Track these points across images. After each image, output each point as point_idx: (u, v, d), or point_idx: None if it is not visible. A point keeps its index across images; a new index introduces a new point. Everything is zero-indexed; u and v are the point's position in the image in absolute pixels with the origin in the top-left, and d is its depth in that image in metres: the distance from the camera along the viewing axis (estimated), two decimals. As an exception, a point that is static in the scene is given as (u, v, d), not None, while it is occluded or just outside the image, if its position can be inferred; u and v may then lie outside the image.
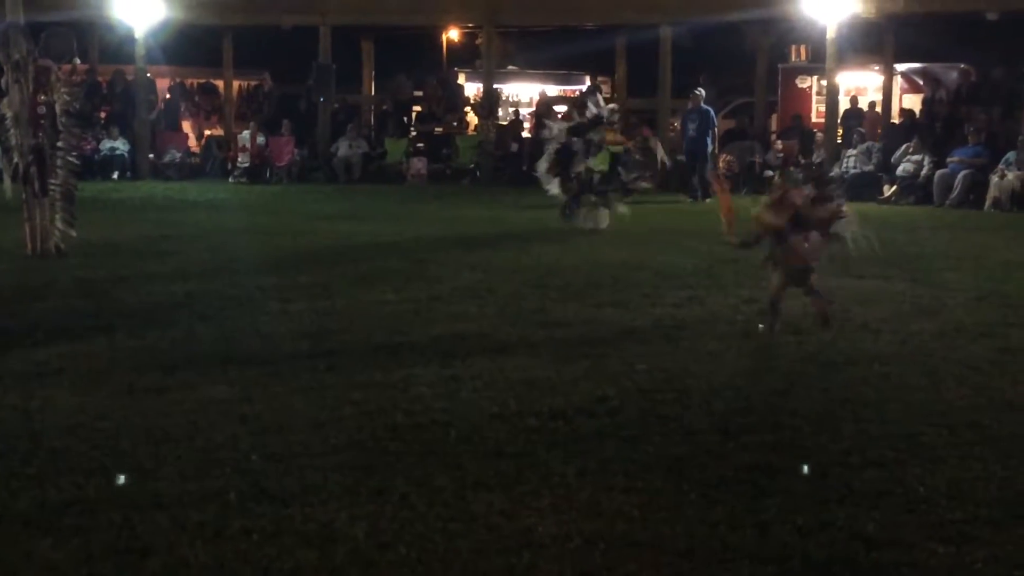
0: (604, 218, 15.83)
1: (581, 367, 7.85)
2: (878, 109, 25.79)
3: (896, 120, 25.21)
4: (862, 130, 23.61)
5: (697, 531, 4.96)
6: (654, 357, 8.18)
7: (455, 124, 28.67)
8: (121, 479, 5.53)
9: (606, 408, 6.86)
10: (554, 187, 16.04)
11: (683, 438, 6.29)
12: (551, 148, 16.23)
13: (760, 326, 9.05)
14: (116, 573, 4.55)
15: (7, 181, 13.42)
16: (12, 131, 13.15)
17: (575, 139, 16.00)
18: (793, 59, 29.28)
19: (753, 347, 8.58)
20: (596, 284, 11.28)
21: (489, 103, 26.86)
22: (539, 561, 4.66)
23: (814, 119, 27.17)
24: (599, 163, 16.78)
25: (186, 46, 28.12)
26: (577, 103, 17.25)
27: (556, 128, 16.66)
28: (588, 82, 32.86)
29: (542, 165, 16.30)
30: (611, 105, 17.63)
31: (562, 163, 15.99)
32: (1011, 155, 20.50)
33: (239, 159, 25.35)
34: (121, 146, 25.28)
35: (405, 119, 28.65)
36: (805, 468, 5.72)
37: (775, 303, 8.96)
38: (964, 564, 4.66)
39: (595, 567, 4.63)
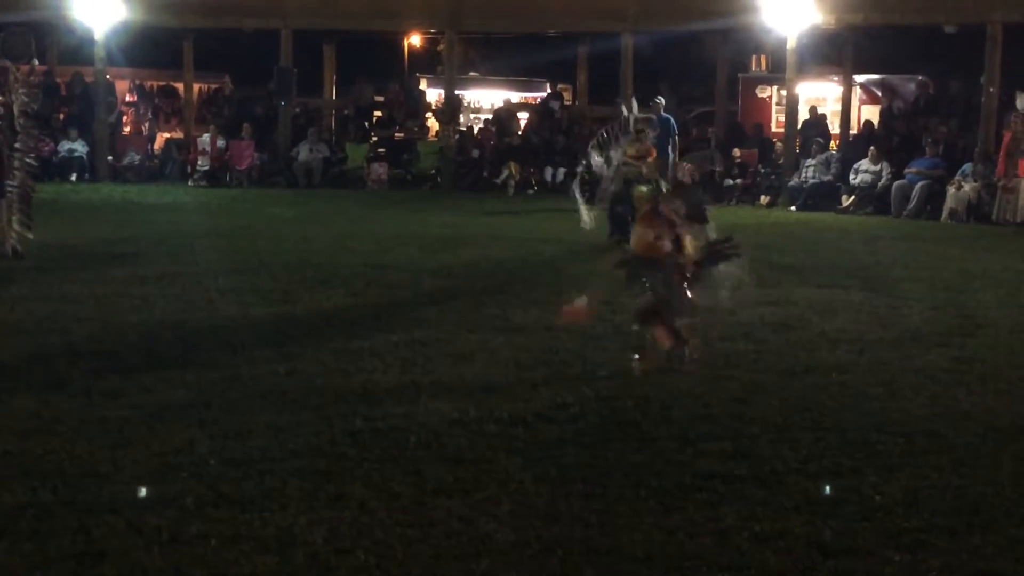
0: None
1: (541, 374, 7.86)
2: (829, 121, 25.99)
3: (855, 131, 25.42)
4: (821, 140, 23.74)
5: (655, 538, 4.98)
6: (614, 364, 8.20)
7: (416, 130, 28.63)
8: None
9: (566, 415, 6.87)
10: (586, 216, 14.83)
11: (642, 445, 6.31)
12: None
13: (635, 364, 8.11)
14: (72, 578, 4.53)
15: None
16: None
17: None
18: (753, 69, 29.45)
19: (712, 355, 8.59)
20: (557, 291, 11.28)
21: (450, 109, 26.83)
22: (498, 567, 4.67)
23: (774, 128, 27.32)
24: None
25: (146, 48, 27.94)
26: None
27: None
28: (549, 89, 32.99)
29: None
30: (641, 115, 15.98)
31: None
32: (967, 167, 20.67)
33: (199, 162, 25.19)
34: (79, 148, 25.06)
35: (366, 124, 28.59)
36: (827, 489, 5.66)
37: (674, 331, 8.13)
38: (920, 572, 4.71)
39: (553, 573, 4.64)
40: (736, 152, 24.42)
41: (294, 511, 5.18)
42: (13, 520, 5.03)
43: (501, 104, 31.94)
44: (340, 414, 6.76)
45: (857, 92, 27.14)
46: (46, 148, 22.88)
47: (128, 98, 29.02)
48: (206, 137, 25.40)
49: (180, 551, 4.75)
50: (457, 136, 26.62)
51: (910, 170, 21.33)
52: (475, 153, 26.14)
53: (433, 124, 29.36)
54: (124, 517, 5.07)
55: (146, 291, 10.94)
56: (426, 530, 5.01)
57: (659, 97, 23.09)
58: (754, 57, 29.33)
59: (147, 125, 27.63)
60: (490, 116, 30.23)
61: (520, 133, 27.23)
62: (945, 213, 20.18)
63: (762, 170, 24.03)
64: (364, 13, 25.96)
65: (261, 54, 27.18)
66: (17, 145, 13.18)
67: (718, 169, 24.07)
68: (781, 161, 23.68)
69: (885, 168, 21.62)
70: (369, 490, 5.47)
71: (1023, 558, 4.87)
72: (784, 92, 25.20)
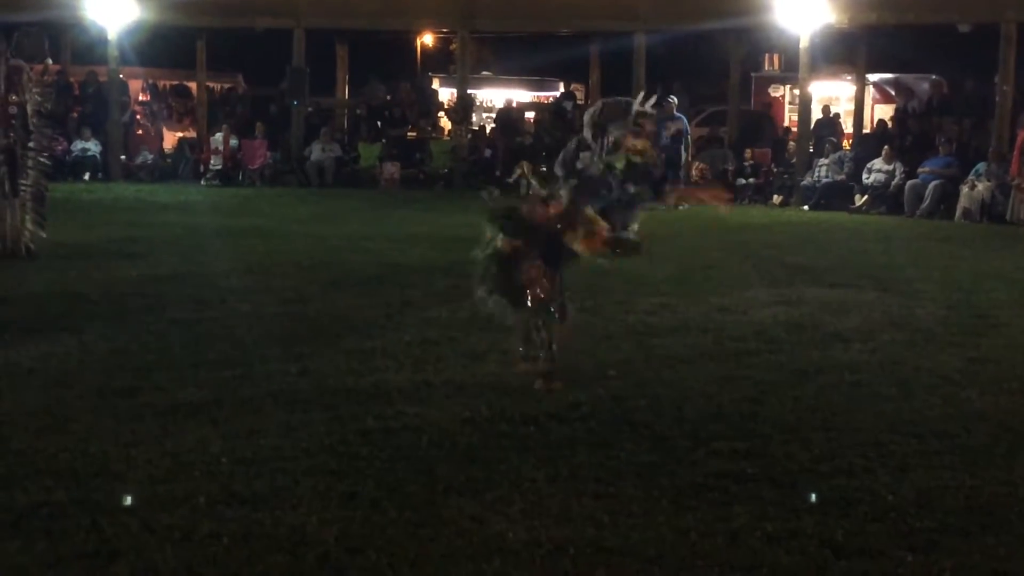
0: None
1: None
2: (842, 120, 25.98)
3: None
4: (834, 139, 23.71)
5: (667, 538, 4.97)
6: (626, 363, 8.19)
7: (429, 129, 28.64)
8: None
9: (578, 414, 6.87)
10: None
11: (654, 445, 6.30)
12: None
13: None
14: (84, 576, 4.53)
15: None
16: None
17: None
18: (766, 68, 29.45)
19: (724, 355, 8.59)
20: (568, 290, 11.26)
21: (463, 108, 26.84)
22: (509, 567, 4.66)
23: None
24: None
25: (159, 47, 28.00)
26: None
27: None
28: (562, 88, 32.98)
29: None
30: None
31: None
32: (981, 166, 20.62)
33: (211, 161, 25.24)
34: (93, 147, 25.12)
35: (378, 123, 28.61)
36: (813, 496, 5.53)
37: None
38: (932, 572, 4.69)
39: (565, 573, 4.64)
40: (748, 153, 24.39)
41: (306, 510, 5.18)
42: (26, 519, 5.04)
43: (503, 105, 31.87)
44: (352, 413, 6.77)
45: (870, 91, 27.10)
46: (59, 147, 22.94)
47: (141, 97, 29.06)
48: (219, 136, 25.44)
49: (192, 550, 4.76)
50: (469, 136, 26.63)
51: (923, 169, 21.28)
52: (487, 152, 26.14)
53: (446, 123, 29.36)
54: (137, 516, 5.08)
55: (158, 290, 10.96)
56: (438, 529, 5.01)
57: (672, 96, 23.10)
58: (767, 56, 29.31)
59: (152, 125, 27.66)
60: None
61: (532, 132, 27.23)
62: (958, 213, 20.13)
63: (775, 169, 24.01)
64: (377, 12, 25.97)
65: (274, 53, 27.21)
66: (31, 144, 13.20)
67: (731, 168, 24.08)
68: (794, 160, 23.66)
69: (898, 168, 21.57)
70: (381, 489, 5.47)
71: (1036, 559, 4.87)
72: (797, 91, 25.18)
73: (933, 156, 21.61)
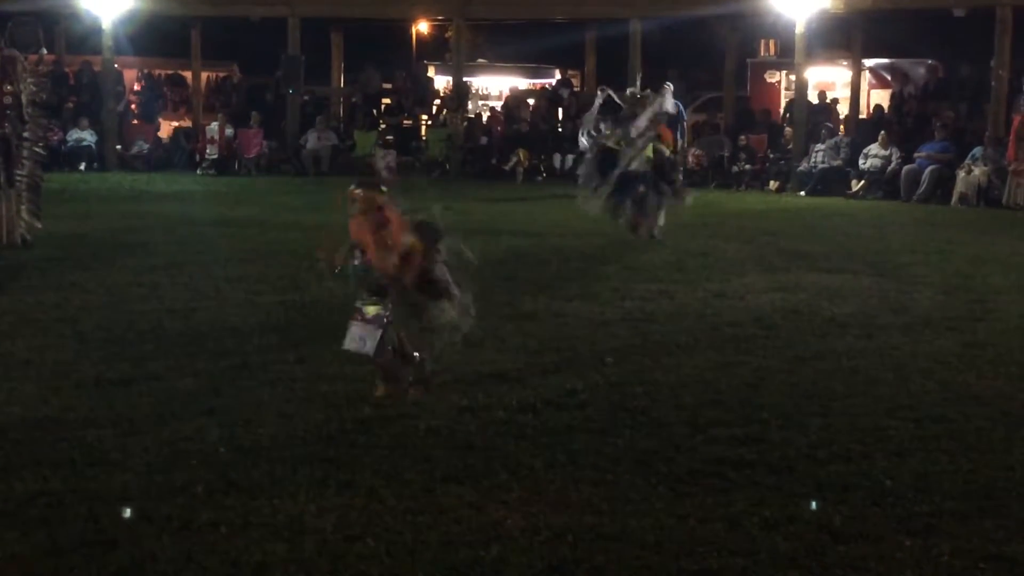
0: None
1: (550, 360, 7.86)
2: (840, 107, 25.95)
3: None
4: (830, 124, 23.70)
5: (665, 524, 4.97)
6: (623, 350, 8.19)
7: (425, 117, 28.59)
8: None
9: (575, 401, 6.87)
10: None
11: (652, 431, 6.30)
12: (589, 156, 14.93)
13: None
14: (83, 566, 4.52)
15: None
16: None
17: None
18: (762, 54, 29.37)
19: (722, 341, 8.59)
20: (565, 277, 11.29)
21: (458, 96, 26.81)
22: (508, 554, 4.66)
23: (782, 114, 27.27)
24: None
25: (154, 37, 27.92)
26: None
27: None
28: (558, 75, 32.91)
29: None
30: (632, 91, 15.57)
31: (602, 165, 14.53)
32: (977, 150, 20.63)
33: (207, 151, 25.22)
34: (88, 137, 25.10)
35: (374, 111, 28.57)
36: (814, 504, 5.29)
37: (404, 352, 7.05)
38: (931, 556, 4.69)
39: (563, 560, 4.63)
40: (741, 139, 24.36)
41: (304, 498, 5.18)
42: (24, 509, 5.04)
43: (508, 92, 31.86)
44: (349, 401, 6.76)
45: (867, 77, 27.05)
46: (55, 137, 22.90)
47: (136, 87, 29.01)
48: (214, 126, 25.41)
49: (190, 539, 4.75)
50: (465, 123, 26.60)
51: (920, 154, 21.30)
52: (483, 140, 26.12)
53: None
54: (135, 505, 5.08)
55: (155, 280, 10.94)
56: (436, 517, 5.01)
57: (667, 83, 23.04)
58: (763, 42, 29.26)
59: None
60: (500, 103, 30.15)
61: (527, 119, 27.19)
62: (955, 197, 20.15)
63: (771, 155, 24.00)
64: (371, 1, 25.93)
65: (269, 42, 27.15)
66: (26, 134, 13.18)
67: (727, 155, 24.06)
68: (790, 146, 23.64)
69: (895, 153, 21.59)
70: (379, 477, 5.47)
71: (1034, 542, 4.87)
72: (793, 77, 25.16)
73: (929, 141, 21.62)
